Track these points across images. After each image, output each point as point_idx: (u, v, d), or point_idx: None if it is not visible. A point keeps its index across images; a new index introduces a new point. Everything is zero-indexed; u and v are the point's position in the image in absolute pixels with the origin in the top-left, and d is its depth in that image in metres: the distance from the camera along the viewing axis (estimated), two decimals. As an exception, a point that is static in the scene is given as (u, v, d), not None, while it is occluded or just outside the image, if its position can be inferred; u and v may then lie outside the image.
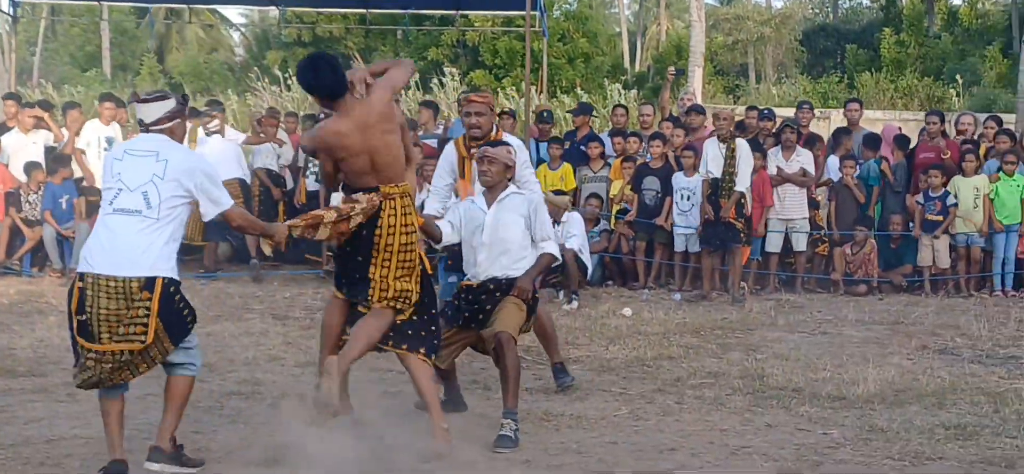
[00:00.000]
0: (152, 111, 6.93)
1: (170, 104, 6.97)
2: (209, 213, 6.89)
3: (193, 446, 7.34)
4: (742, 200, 14.53)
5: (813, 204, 16.06)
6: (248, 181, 17.26)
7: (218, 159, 16.45)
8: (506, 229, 8.26)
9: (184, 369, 6.98)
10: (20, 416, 8.24)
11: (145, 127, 6.95)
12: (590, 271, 15.14)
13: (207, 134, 17.09)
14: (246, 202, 16.85)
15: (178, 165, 6.77)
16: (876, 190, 16.16)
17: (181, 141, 7.12)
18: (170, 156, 6.79)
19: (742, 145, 14.62)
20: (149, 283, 6.60)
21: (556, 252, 8.40)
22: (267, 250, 16.94)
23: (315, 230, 7.24)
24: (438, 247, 8.76)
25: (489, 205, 8.39)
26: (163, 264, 6.68)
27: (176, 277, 6.75)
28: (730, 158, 14.44)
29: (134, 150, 6.88)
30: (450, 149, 9.56)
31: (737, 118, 16.74)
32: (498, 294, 8.18)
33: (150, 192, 6.69)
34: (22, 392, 9.04)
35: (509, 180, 8.45)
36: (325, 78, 7.26)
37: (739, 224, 14.60)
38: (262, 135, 17.77)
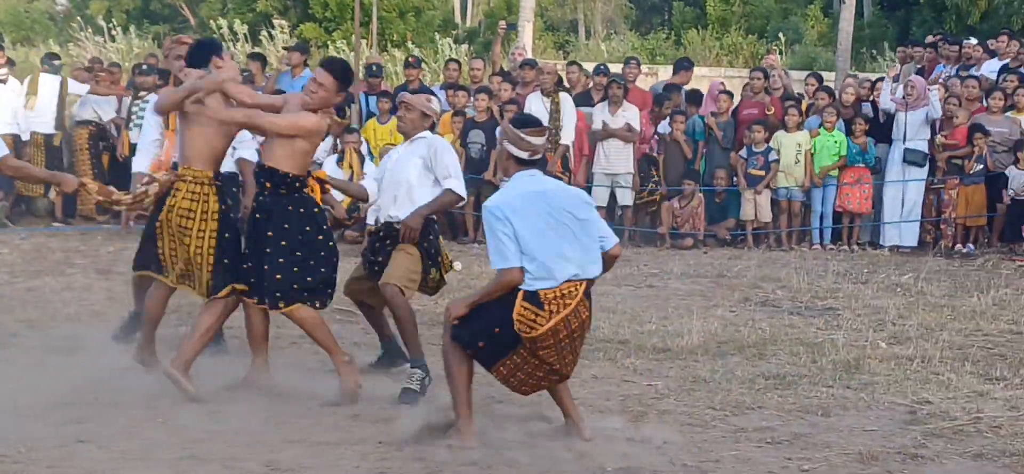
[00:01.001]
0: None
1: None
2: None
3: (11, 403, 7.19)
4: (567, 154, 14.62)
5: (652, 161, 16.27)
6: (25, 137, 16.79)
7: None
8: (402, 170, 8.12)
9: None
10: None
11: None
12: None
13: None
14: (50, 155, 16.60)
15: None
16: (701, 145, 16.44)
17: None
18: None
19: (565, 99, 14.73)
20: None
21: (459, 190, 8.15)
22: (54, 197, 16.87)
23: (111, 205, 7.59)
24: (368, 205, 8.54)
25: None
26: None
27: None
28: (554, 112, 14.55)
29: None
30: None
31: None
32: (388, 241, 8.12)
33: None
34: None
35: (428, 128, 8.31)
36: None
37: (565, 178, 14.72)
38: (99, 84, 17.42)
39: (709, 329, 10.03)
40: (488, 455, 6.52)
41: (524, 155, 6.61)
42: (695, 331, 9.83)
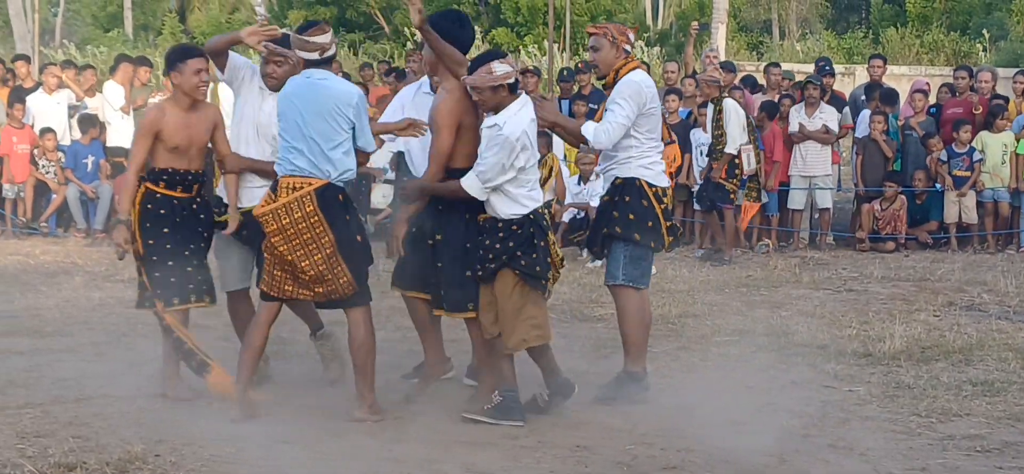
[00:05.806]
0: None
1: None
2: None
3: (221, 404, 7.40)
4: (735, 160, 14.42)
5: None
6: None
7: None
8: None
9: None
10: (48, 375, 8.28)
11: None
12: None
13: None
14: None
15: None
16: (894, 145, 16.01)
17: None
18: None
19: (729, 105, 14.50)
20: None
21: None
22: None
23: None
24: None
25: None
26: None
27: None
28: (717, 119, 14.39)
29: None
30: None
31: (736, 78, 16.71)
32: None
33: None
34: (50, 352, 9.09)
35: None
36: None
37: (730, 185, 14.52)
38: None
39: (912, 334, 9.78)
40: (689, 457, 6.47)
41: (313, 56, 7.13)
42: (897, 336, 9.60)
